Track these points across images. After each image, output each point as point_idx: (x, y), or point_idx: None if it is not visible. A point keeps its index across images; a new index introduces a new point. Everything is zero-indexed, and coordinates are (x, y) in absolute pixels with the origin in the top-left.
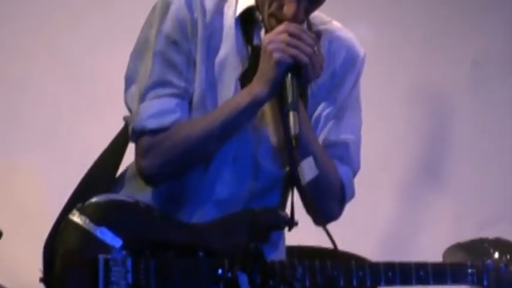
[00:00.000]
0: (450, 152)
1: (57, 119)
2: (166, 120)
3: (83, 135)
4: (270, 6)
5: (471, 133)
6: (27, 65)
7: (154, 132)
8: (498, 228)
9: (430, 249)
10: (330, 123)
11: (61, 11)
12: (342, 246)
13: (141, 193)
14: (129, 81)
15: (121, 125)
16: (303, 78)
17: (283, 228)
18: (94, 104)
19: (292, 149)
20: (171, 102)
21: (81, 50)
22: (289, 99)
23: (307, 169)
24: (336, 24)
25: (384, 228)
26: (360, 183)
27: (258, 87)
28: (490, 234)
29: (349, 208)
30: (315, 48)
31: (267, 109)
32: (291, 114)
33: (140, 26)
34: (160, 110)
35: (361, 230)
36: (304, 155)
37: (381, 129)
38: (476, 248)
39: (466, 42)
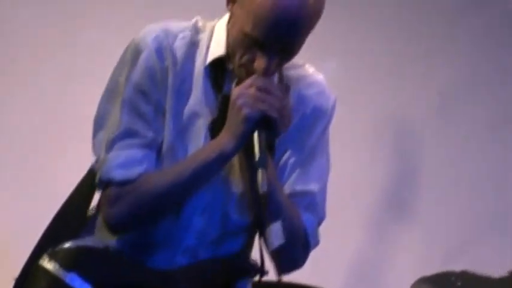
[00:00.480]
0: (416, 182)
1: (27, 156)
2: (133, 172)
3: (53, 173)
4: (241, 58)
5: (437, 163)
6: None
7: (121, 183)
8: (466, 257)
9: (399, 280)
10: (297, 171)
11: (32, 46)
12: (309, 279)
13: (112, 239)
14: (98, 126)
15: (90, 162)
16: (272, 132)
17: (253, 276)
18: (64, 140)
19: (260, 205)
20: (139, 153)
21: (52, 86)
22: (257, 155)
23: (274, 237)
24: (307, 69)
25: (352, 260)
26: (327, 214)
27: (226, 141)
28: (458, 262)
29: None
30: (284, 101)
31: (236, 161)
32: (260, 171)
33: (110, 62)
34: (127, 161)
35: (329, 262)
36: (272, 214)
37: (348, 160)
38: (443, 281)
39: (431, 73)
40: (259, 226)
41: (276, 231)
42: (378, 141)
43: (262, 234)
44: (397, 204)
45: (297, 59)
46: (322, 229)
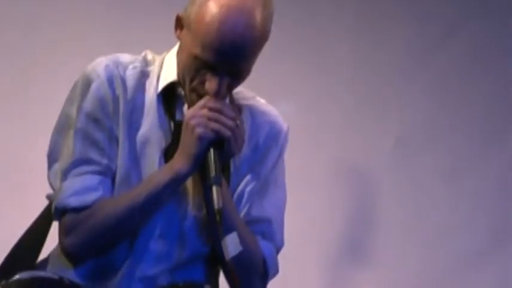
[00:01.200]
0: (373, 227)
1: None
2: (89, 198)
3: (6, 214)
4: (191, 81)
5: (394, 207)
6: None
7: (77, 210)
8: None
9: None
10: (253, 199)
11: None
12: None
13: (67, 270)
14: (52, 159)
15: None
16: (226, 152)
17: None
18: (18, 185)
19: (216, 223)
20: (93, 179)
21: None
22: (212, 173)
23: (231, 245)
24: (258, 100)
25: None
26: (285, 258)
27: (179, 162)
28: None
29: (274, 284)
30: (237, 121)
31: (189, 182)
32: (214, 188)
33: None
34: (82, 187)
35: None
36: (227, 230)
37: (305, 206)
38: None
39: (389, 117)
40: (216, 250)
41: (232, 239)
42: (334, 184)
43: (218, 260)
44: (354, 249)
45: (248, 90)
46: (280, 272)
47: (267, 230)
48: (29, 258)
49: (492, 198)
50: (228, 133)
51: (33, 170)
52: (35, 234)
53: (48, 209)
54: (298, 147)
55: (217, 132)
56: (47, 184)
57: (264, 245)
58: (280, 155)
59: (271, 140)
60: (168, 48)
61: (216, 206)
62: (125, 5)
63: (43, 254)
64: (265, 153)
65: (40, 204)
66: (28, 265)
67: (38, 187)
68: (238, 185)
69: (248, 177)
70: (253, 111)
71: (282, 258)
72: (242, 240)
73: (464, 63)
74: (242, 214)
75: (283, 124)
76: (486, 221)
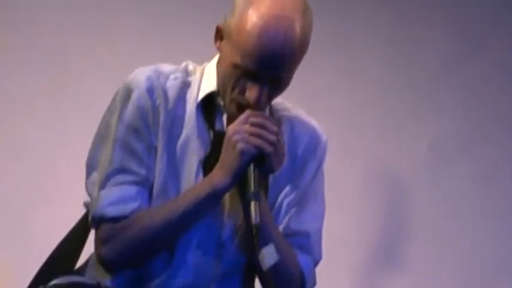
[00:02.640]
0: (408, 233)
1: (16, 203)
2: (127, 208)
3: (43, 220)
4: (232, 91)
5: (428, 216)
6: None
7: (114, 220)
8: None
9: None
10: (292, 212)
11: (17, 94)
12: None
13: (106, 277)
14: (90, 167)
15: (82, 210)
16: (266, 167)
17: None
18: (54, 188)
19: (253, 237)
20: (132, 190)
21: (36, 134)
22: (251, 189)
23: (268, 255)
24: (298, 110)
25: None
26: (317, 267)
27: (219, 177)
28: None
29: None
30: (279, 136)
31: (229, 197)
32: (252, 203)
33: (95, 113)
34: (120, 197)
35: None
36: (265, 244)
37: (338, 210)
38: None
39: (422, 125)
40: (253, 263)
41: (269, 250)
42: (367, 193)
43: (256, 272)
44: (387, 258)
45: (287, 101)
46: None
47: (305, 243)
48: (66, 264)
49: None
50: (269, 149)
51: (63, 177)
52: (73, 240)
53: (86, 215)
54: (331, 155)
55: (259, 148)
56: (77, 191)
57: (302, 258)
58: (319, 167)
59: (310, 152)
60: (208, 59)
61: (253, 222)
62: (158, 10)
63: (81, 261)
64: (303, 165)
65: (71, 209)
66: (66, 271)
67: (68, 194)
68: (277, 196)
69: (287, 189)
70: (293, 122)
71: None
72: (280, 253)
73: (497, 72)
74: (281, 227)
75: (322, 135)
76: None
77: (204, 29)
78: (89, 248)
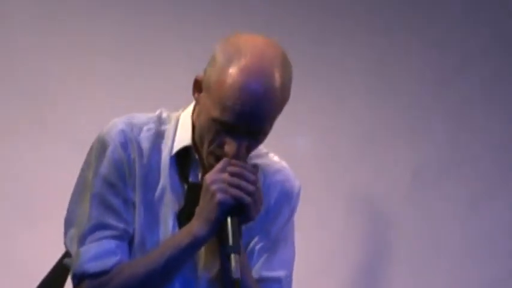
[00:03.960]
0: (391, 259)
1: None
2: (107, 263)
3: (21, 251)
4: (209, 144)
5: (411, 240)
6: None
7: (96, 275)
8: None
9: None
10: (263, 258)
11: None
12: None
13: None
14: (69, 224)
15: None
16: (244, 217)
17: None
18: (36, 216)
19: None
20: (111, 244)
21: (17, 163)
22: (231, 242)
23: None
24: (272, 158)
25: None
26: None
27: (198, 227)
28: None
29: None
30: (257, 184)
31: (206, 246)
32: (233, 257)
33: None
34: (100, 252)
35: None
36: None
37: (320, 236)
38: None
39: (406, 149)
40: None
41: None
42: (351, 216)
43: None
44: (371, 282)
45: (261, 146)
46: None
47: None
48: None
49: (510, 228)
50: (248, 200)
51: (45, 204)
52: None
53: (58, 267)
54: (313, 179)
55: (237, 199)
56: (58, 219)
57: None
58: (292, 214)
59: (283, 200)
60: (183, 105)
61: (234, 276)
62: (137, 34)
63: None
64: (276, 213)
65: (52, 239)
66: None
67: (48, 222)
68: (249, 242)
69: (259, 235)
70: (266, 171)
71: (300, 286)
72: None
73: (480, 95)
74: (253, 272)
75: (295, 183)
76: (506, 252)
77: (182, 56)
78: None
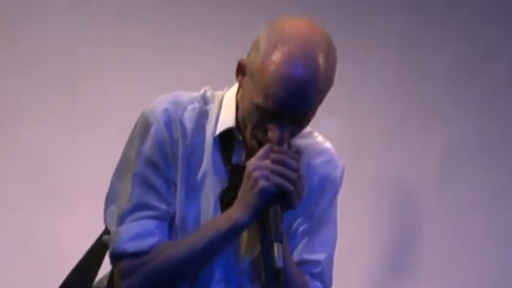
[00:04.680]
0: (418, 243)
1: (25, 211)
2: (146, 243)
3: (52, 230)
4: (253, 129)
5: (439, 224)
6: None
7: (134, 255)
8: None
9: None
10: (305, 240)
11: (28, 105)
12: None
13: None
14: (109, 201)
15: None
16: (286, 205)
17: None
18: (63, 198)
19: (274, 277)
20: (151, 224)
21: (46, 145)
22: (273, 230)
23: None
24: (315, 137)
25: None
26: None
27: (239, 213)
28: None
29: None
30: (299, 171)
31: (246, 231)
32: (275, 246)
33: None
34: (139, 232)
35: None
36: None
37: (348, 221)
38: None
39: (434, 135)
40: None
41: None
42: (378, 203)
43: None
44: (398, 267)
45: (306, 129)
46: None
47: (317, 271)
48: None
49: None
50: (290, 188)
51: (76, 184)
52: (86, 268)
53: (98, 244)
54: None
55: (280, 187)
56: (86, 202)
57: (313, 286)
58: (335, 195)
59: (327, 181)
60: (227, 85)
61: (276, 266)
62: (167, 21)
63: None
64: (320, 194)
65: (80, 219)
66: None
67: (77, 204)
68: (291, 224)
69: (302, 217)
70: (310, 151)
71: None
72: (293, 283)
73: (506, 81)
74: (294, 255)
75: (339, 164)
76: None
77: (216, 43)
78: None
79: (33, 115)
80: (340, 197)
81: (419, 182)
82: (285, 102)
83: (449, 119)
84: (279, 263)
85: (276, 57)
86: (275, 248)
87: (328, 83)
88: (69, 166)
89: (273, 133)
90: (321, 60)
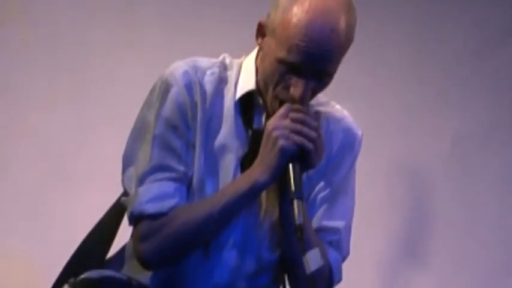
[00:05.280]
0: (430, 228)
1: (39, 194)
2: (165, 205)
3: (65, 212)
4: (274, 88)
5: (450, 209)
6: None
7: (153, 216)
8: None
9: None
10: (323, 207)
11: (40, 91)
12: None
13: (142, 274)
14: (127, 162)
15: (103, 202)
16: (306, 164)
17: None
18: (77, 182)
19: (294, 235)
20: (170, 186)
21: (59, 130)
22: (293, 187)
23: (313, 259)
24: (333, 105)
25: None
26: None
27: (259, 173)
28: None
29: None
30: (319, 131)
31: (264, 194)
32: (295, 202)
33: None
34: (158, 194)
35: None
36: (308, 246)
37: (359, 205)
38: None
39: (445, 119)
40: (285, 261)
41: (314, 254)
42: (389, 186)
43: (287, 270)
44: (409, 251)
45: (321, 95)
46: None
47: (335, 239)
48: (97, 256)
49: None
50: (310, 146)
51: (89, 168)
52: (103, 231)
53: (116, 206)
54: None
55: (300, 145)
56: (97, 185)
57: (331, 254)
58: (353, 163)
59: (345, 148)
60: (244, 53)
61: (297, 222)
62: (181, 7)
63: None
64: (339, 161)
65: (92, 202)
66: (96, 263)
67: (89, 188)
68: (310, 192)
69: (321, 184)
70: (328, 118)
71: None
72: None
73: None
74: (313, 222)
75: (358, 131)
76: None
77: (228, 26)
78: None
79: (46, 101)
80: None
81: (431, 167)
82: (308, 52)
83: (461, 102)
84: (299, 219)
85: (298, 9)
86: (295, 205)
87: (348, 37)
88: (82, 151)
89: (295, 89)
90: (342, 13)
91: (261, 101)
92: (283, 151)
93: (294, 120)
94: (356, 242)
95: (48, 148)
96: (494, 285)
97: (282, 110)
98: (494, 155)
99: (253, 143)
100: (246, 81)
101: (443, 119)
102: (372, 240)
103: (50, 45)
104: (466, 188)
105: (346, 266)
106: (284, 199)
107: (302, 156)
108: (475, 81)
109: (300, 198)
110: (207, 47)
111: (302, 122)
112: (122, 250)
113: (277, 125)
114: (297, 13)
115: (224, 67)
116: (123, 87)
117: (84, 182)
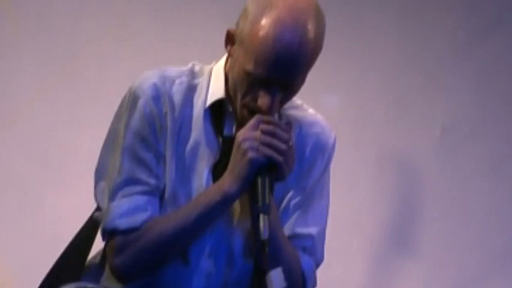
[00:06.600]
0: (420, 217)
1: (28, 188)
2: (138, 219)
3: (50, 211)
4: (243, 97)
5: (441, 198)
6: None
7: (126, 232)
8: None
9: None
10: (297, 214)
11: (30, 81)
12: None
13: (119, 283)
14: (99, 176)
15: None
16: (276, 176)
17: None
18: (65, 176)
19: (261, 250)
20: (142, 200)
21: (48, 123)
22: (260, 201)
23: (275, 280)
24: (306, 109)
25: None
26: (329, 249)
27: (229, 184)
28: None
29: (319, 275)
30: (290, 143)
31: (238, 203)
32: (261, 217)
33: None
34: (131, 208)
35: None
36: (273, 259)
37: (349, 195)
38: None
39: (435, 108)
40: (258, 271)
41: (276, 275)
42: (379, 175)
43: (259, 280)
44: (399, 240)
45: (295, 98)
46: (325, 262)
47: (309, 245)
48: (74, 269)
49: None
50: (280, 159)
51: (79, 162)
52: (80, 246)
53: (90, 221)
54: (342, 138)
55: (269, 158)
56: (87, 180)
57: (305, 260)
58: (327, 166)
59: (318, 152)
60: (215, 58)
61: (262, 237)
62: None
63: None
64: (311, 165)
65: (81, 197)
66: (73, 277)
67: (78, 182)
68: (283, 198)
69: (293, 190)
70: (300, 122)
71: (327, 248)
72: (284, 260)
73: (509, 53)
74: (286, 228)
75: (331, 134)
76: None
77: (218, 20)
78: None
79: (35, 88)
80: (341, 170)
81: (420, 155)
82: (275, 67)
83: (451, 91)
84: (264, 234)
85: (265, 22)
86: (261, 220)
87: (317, 48)
88: (71, 139)
89: (263, 100)
90: (310, 24)
91: (231, 109)
92: (252, 163)
93: (264, 132)
94: (346, 232)
95: (37, 137)
96: (486, 275)
97: (252, 122)
98: (484, 144)
99: (224, 150)
100: (216, 88)
101: (433, 108)
102: (362, 230)
103: (39, 34)
104: (456, 176)
105: (336, 257)
106: (253, 212)
107: (271, 168)
108: (465, 70)
109: (266, 212)
110: (198, 38)
111: (272, 134)
112: (102, 256)
113: (247, 136)
114: (265, 26)
115: (193, 75)
116: (114, 77)
117: (73, 171)
